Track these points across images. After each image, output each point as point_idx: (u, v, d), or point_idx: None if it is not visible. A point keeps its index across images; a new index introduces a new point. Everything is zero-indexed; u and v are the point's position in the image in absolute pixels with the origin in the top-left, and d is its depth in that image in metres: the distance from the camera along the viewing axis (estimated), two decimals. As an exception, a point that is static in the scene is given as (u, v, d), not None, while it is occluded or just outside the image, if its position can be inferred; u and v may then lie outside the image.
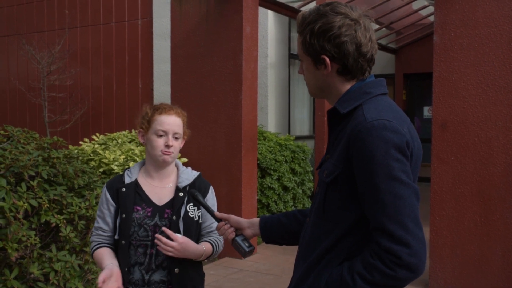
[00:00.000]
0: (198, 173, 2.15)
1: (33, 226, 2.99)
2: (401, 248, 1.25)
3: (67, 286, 3.09)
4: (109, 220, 2.02)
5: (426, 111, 10.41)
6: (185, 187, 2.07)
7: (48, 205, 2.99)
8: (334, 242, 1.40)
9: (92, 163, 5.09)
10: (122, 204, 2.00)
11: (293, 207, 6.52)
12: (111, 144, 5.81)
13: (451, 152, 4.21)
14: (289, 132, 8.62)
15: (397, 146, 1.29)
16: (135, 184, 2.04)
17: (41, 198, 2.97)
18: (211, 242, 2.08)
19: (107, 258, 1.98)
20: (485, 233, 4.10)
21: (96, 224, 2.06)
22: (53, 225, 3.04)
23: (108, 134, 6.32)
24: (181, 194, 2.04)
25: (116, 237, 1.99)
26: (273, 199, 6.04)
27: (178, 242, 1.91)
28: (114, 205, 2.02)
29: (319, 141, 7.41)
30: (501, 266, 4.04)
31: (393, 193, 1.27)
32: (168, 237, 1.91)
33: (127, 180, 2.05)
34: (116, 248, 2.02)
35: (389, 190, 1.27)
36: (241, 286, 4.42)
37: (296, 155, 6.68)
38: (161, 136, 2.02)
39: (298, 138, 8.32)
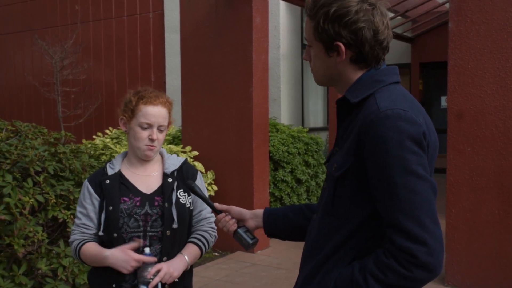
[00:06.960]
0: (184, 158, 2.06)
1: (40, 221, 2.98)
2: (417, 246, 1.17)
3: (76, 282, 3.08)
4: (93, 215, 1.92)
5: (444, 101, 10.20)
6: (172, 172, 1.97)
7: (55, 201, 2.98)
8: (344, 239, 1.32)
9: (103, 158, 5.08)
10: (108, 196, 1.90)
11: (306, 200, 6.45)
12: (124, 138, 5.80)
13: (467, 142, 4.08)
14: (302, 124, 8.52)
15: (413, 137, 1.21)
16: (119, 175, 1.95)
17: (47, 193, 2.95)
18: (197, 242, 1.99)
19: (102, 248, 1.88)
20: (503, 226, 3.97)
21: (77, 221, 1.95)
22: (61, 220, 3.03)
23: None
24: (170, 179, 1.95)
25: (100, 233, 1.89)
26: (286, 192, 5.97)
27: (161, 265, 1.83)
28: (98, 198, 1.92)
29: (333, 133, 7.31)
30: (520, 260, 3.92)
31: (409, 188, 1.19)
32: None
33: (110, 171, 1.95)
34: (104, 243, 1.92)
35: (405, 185, 1.19)
36: (253, 281, 4.38)
37: (309, 147, 6.59)
38: (145, 128, 1.91)
39: (312, 129, 8.21)
